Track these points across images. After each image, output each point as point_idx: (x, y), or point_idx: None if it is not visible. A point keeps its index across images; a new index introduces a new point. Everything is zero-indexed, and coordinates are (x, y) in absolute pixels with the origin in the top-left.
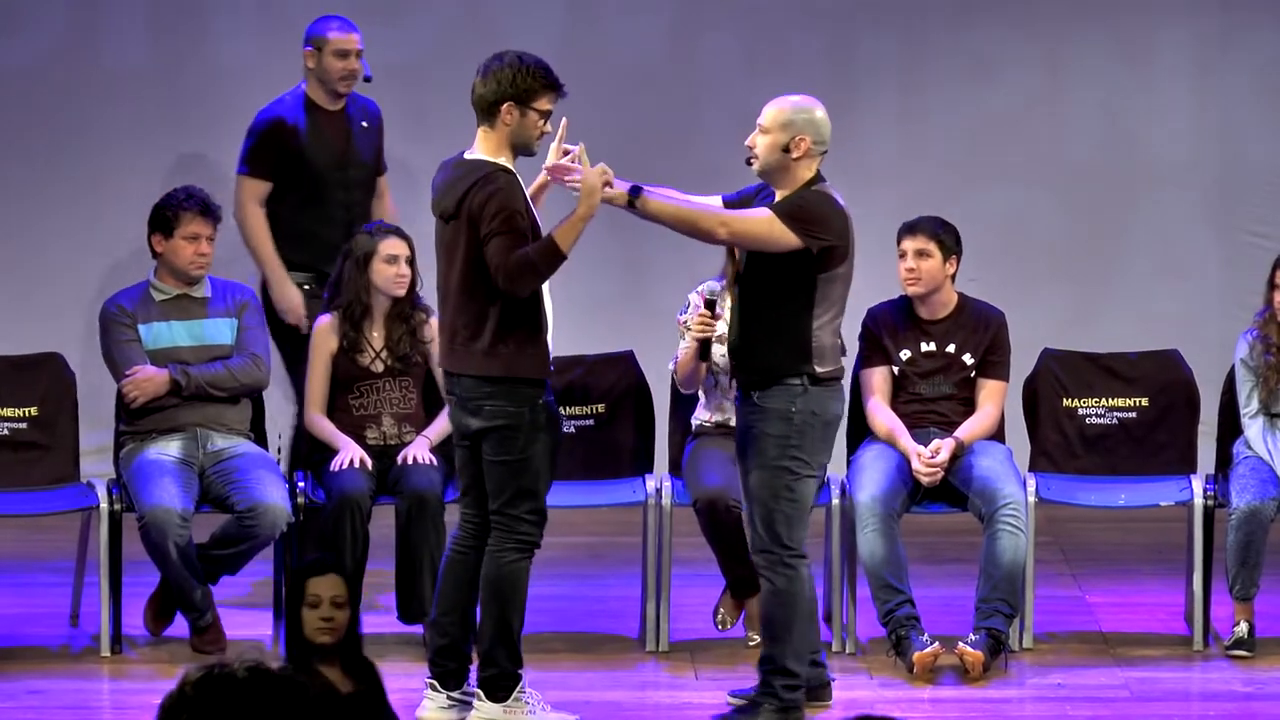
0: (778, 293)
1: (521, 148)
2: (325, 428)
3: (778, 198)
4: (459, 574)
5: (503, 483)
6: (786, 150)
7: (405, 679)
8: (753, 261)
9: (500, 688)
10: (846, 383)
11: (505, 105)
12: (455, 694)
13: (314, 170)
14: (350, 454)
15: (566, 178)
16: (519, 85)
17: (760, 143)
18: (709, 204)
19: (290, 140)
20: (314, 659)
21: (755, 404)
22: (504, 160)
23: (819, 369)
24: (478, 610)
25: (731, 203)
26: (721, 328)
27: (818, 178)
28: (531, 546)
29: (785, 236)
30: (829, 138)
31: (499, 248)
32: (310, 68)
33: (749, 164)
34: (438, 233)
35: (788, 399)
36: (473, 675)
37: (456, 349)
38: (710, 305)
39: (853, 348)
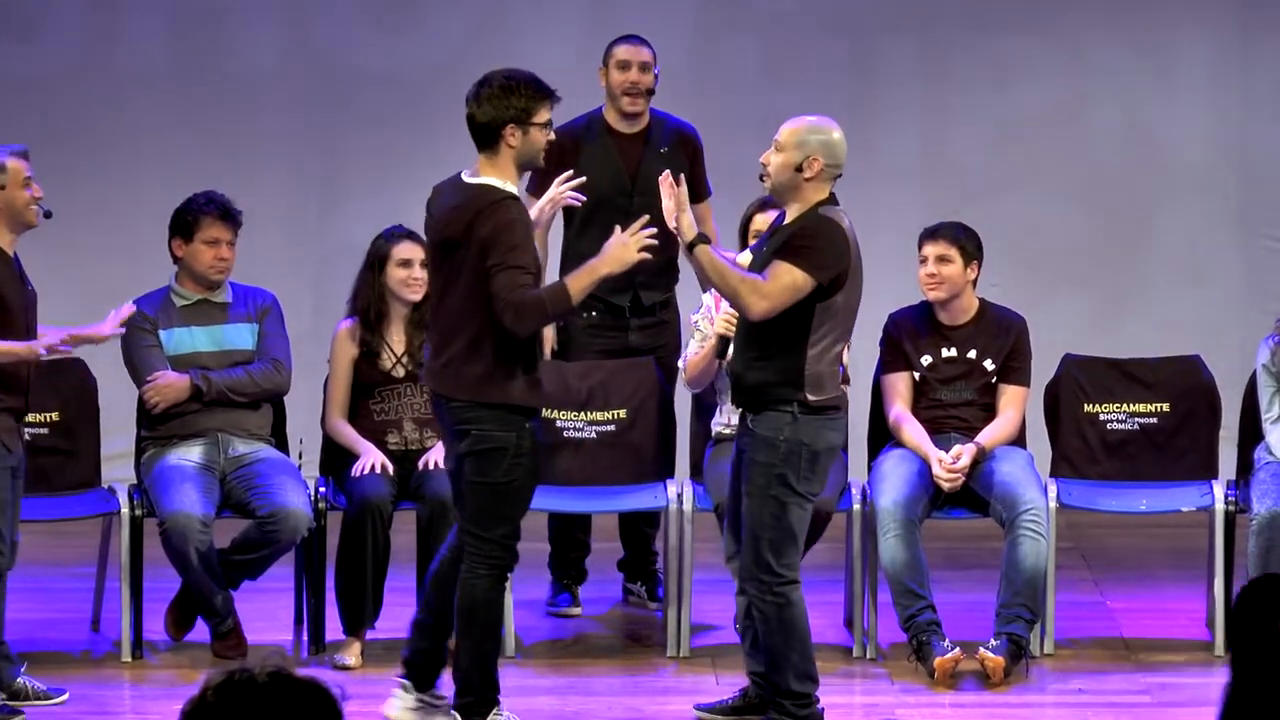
0: (774, 318)
1: (529, 165)
2: (346, 433)
3: (787, 218)
4: (450, 582)
5: (480, 504)
6: (799, 170)
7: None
8: None
9: (475, 712)
10: (866, 390)
11: (507, 129)
12: (425, 696)
13: (595, 194)
14: (371, 459)
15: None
16: (516, 105)
17: (774, 160)
18: (743, 270)
19: (569, 159)
20: None
21: (749, 428)
22: (509, 184)
23: (812, 398)
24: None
25: (757, 251)
26: None
27: (829, 200)
28: (504, 571)
29: (807, 281)
30: (843, 160)
31: (508, 283)
32: (602, 85)
33: (761, 180)
34: (433, 257)
35: (777, 426)
36: (442, 681)
37: (449, 373)
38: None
39: (874, 353)
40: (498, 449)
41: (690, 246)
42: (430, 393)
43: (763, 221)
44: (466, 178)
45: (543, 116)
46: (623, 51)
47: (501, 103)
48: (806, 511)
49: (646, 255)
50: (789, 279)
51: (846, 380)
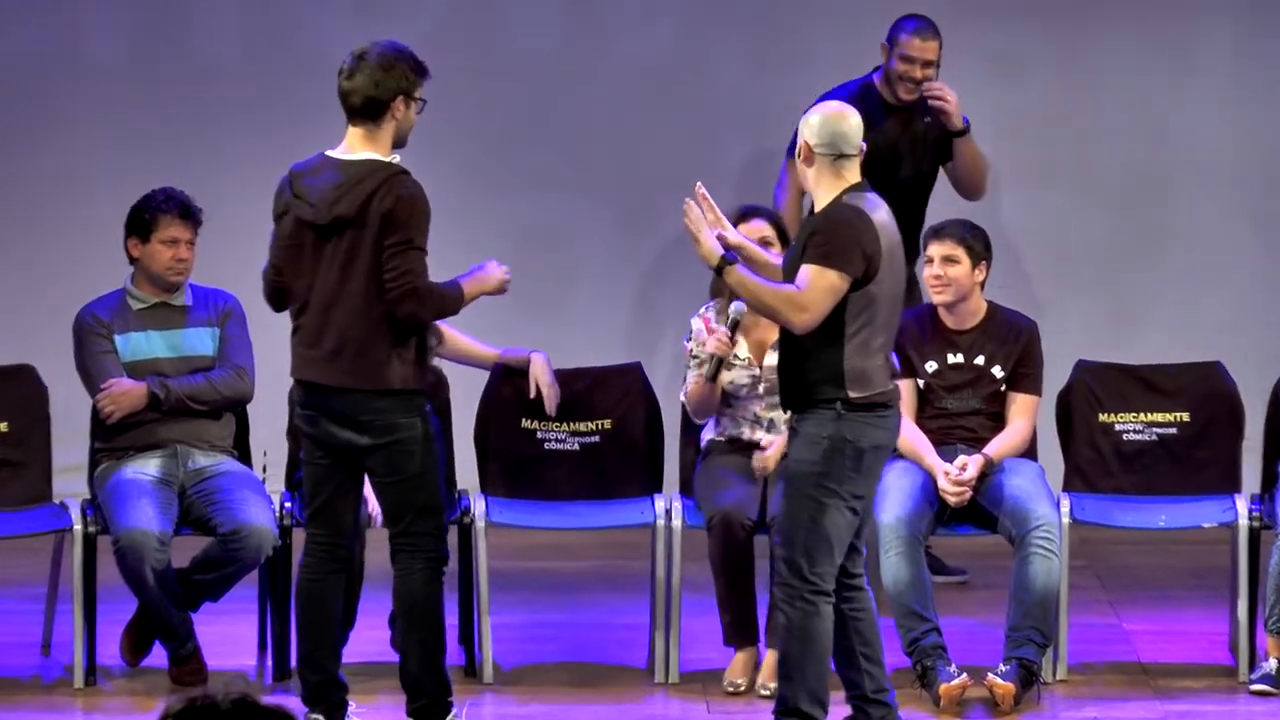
0: None
1: (402, 141)
2: None
3: (816, 209)
4: (318, 604)
5: (403, 503)
6: (804, 160)
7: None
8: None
9: (432, 715)
10: None
11: (397, 100)
12: None
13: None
14: None
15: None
16: (407, 78)
17: None
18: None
19: None
20: None
21: (794, 428)
22: (393, 159)
23: (854, 394)
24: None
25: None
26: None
27: (857, 187)
28: (441, 562)
29: (842, 280)
30: (837, 139)
31: (411, 265)
32: (884, 61)
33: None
34: (312, 239)
35: (819, 425)
36: (352, 705)
37: (342, 362)
38: (735, 326)
39: None
40: (405, 440)
41: (718, 270)
42: (303, 383)
43: (746, 231)
44: (340, 155)
45: (421, 92)
46: (911, 45)
47: (396, 74)
48: (846, 517)
49: (502, 291)
50: (824, 283)
51: (896, 375)
